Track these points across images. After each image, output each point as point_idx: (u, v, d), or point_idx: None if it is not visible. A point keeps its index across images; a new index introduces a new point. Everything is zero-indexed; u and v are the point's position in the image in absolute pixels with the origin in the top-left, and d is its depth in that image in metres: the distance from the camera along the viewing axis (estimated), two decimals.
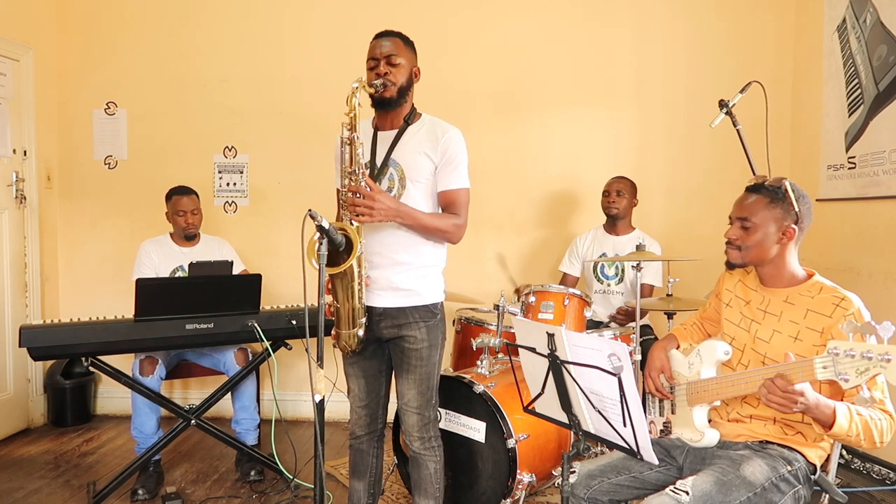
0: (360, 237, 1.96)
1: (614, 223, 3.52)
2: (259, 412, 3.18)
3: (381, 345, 2.18)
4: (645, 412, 1.92)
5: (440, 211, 2.14)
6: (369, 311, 2.10)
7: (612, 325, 3.39)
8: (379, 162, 2.10)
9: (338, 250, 1.90)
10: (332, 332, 2.12)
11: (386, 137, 2.12)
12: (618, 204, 3.45)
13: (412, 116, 2.13)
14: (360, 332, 2.07)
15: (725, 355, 1.84)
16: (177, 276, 3.27)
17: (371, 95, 2.04)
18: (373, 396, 2.23)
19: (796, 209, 1.78)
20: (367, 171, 2.04)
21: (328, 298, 2.02)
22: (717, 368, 1.86)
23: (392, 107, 2.08)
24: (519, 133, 3.93)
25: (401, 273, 2.08)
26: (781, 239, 1.79)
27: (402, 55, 2.07)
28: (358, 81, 1.95)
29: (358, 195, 1.93)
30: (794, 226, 1.78)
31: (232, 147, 4.04)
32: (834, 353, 1.47)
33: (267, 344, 2.80)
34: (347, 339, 2.08)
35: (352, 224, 1.95)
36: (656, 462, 1.56)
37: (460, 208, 2.11)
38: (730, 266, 1.89)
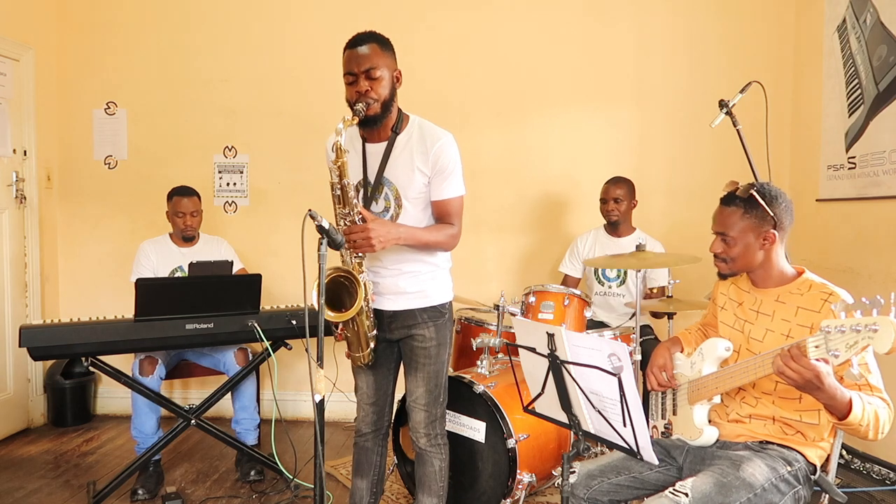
0: (363, 270, 1.98)
1: (616, 226, 3.50)
2: (259, 412, 3.18)
3: (391, 343, 2.19)
4: (647, 415, 1.92)
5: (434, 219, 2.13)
6: (379, 314, 2.12)
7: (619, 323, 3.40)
8: (371, 178, 2.06)
9: (338, 250, 1.90)
10: (345, 353, 2.16)
11: (375, 151, 2.06)
12: (617, 210, 3.43)
13: (400, 124, 2.04)
14: (372, 344, 2.10)
15: (726, 351, 1.85)
16: (176, 276, 3.27)
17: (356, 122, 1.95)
18: (381, 394, 2.24)
19: (771, 214, 1.78)
20: (362, 192, 2.05)
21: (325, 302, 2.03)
22: (718, 365, 1.86)
23: (378, 123, 1.99)
24: (519, 133, 3.93)
25: (408, 279, 2.10)
26: (764, 245, 1.80)
27: (381, 65, 1.94)
28: (342, 122, 1.86)
29: (355, 235, 1.90)
30: (773, 230, 1.78)
31: (232, 147, 4.04)
32: (826, 331, 1.47)
33: (267, 344, 2.80)
34: (361, 360, 2.12)
35: (353, 261, 1.96)
36: (656, 462, 1.56)
37: (454, 217, 2.08)
38: (721, 276, 1.92)
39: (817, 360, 1.50)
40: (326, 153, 2.06)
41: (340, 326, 2.06)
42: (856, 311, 1.43)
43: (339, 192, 1.94)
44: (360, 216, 1.93)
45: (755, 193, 1.78)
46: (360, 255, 1.97)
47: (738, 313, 1.90)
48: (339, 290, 1.97)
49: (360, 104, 1.92)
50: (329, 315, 1.86)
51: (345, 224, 1.95)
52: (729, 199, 1.84)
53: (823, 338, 1.48)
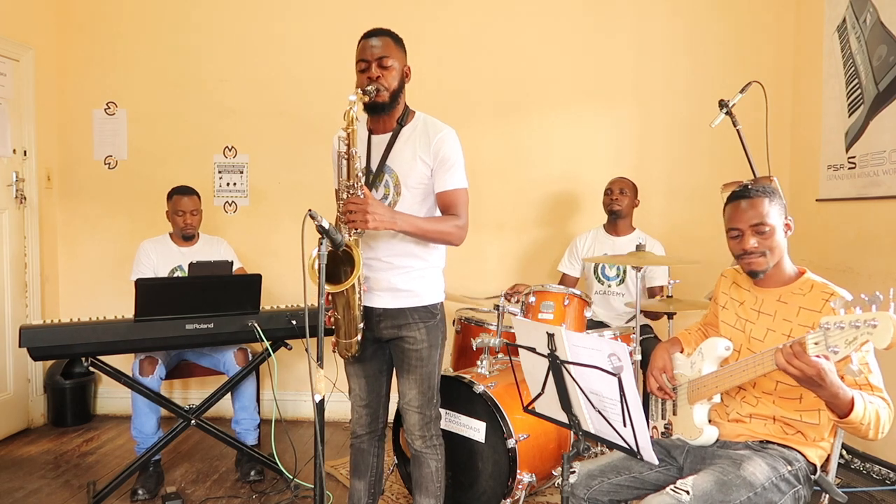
0: (359, 248, 1.96)
1: (615, 223, 3.51)
2: (259, 412, 3.18)
3: (382, 345, 2.18)
4: (647, 415, 1.92)
5: (437, 214, 2.12)
6: (369, 311, 2.10)
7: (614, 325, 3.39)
8: (374, 166, 2.08)
9: (338, 250, 1.90)
10: (332, 344, 2.13)
11: (380, 142, 2.10)
12: (621, 202, 3.45)
13: (405, 117, 2.10)
14: (359, 336, 2.08)
15: (726, 351, 1.85)
16: (175, 275, 3.27)
17: (364, 102, 2.00)
18: (374, 396, 2.24)
19: (784, 201, 1.82)
20: (364, 180, 2.04)
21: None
22: (718, 365, 1.86)
23: (385, 111, 2.05)
24: (520, 133, 3.93)
25: (400, 275, 2.09)
26: (786, 233, 1.82)
27: (393, 56, 2.02)
28: (355, 94, 1.93)
29: (353, 205, 1.90)
30: (789, 218, 1.82)
31: (232, 147, 4.04)
32: (825, 327, 1.47)
33: (267, 344, 2.80)
34: (347, 348, 2.10)
35: (350, 237, 1.94)
36: (656, 462, 1.56)
37: (460, 208, 2.08)
38: (755, 275, 1.84)
39: (817, 356, 1.50)
40: (335, 143, 2.07)
41: (331, 311, 2.05)
42: (855, 307, 1.43)
43: (345, 163, 1.95)
44: (363, 193, 1.92)
45: (776, 181, 1.80)
46: (357, 230, 1.95)
47: (740, 312, 1.90)
48: (336, 262, 1.96)
49: (371, 86, 1.97)
50: (326, 287, 1.85)
51: (347, 195, 1.95)
52: (748, 192, 1.81)
53: (822, 334, 1.48)
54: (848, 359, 1.45)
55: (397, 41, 2.07)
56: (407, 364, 2.12)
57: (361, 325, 2.07)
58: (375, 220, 1.90)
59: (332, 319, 2.07)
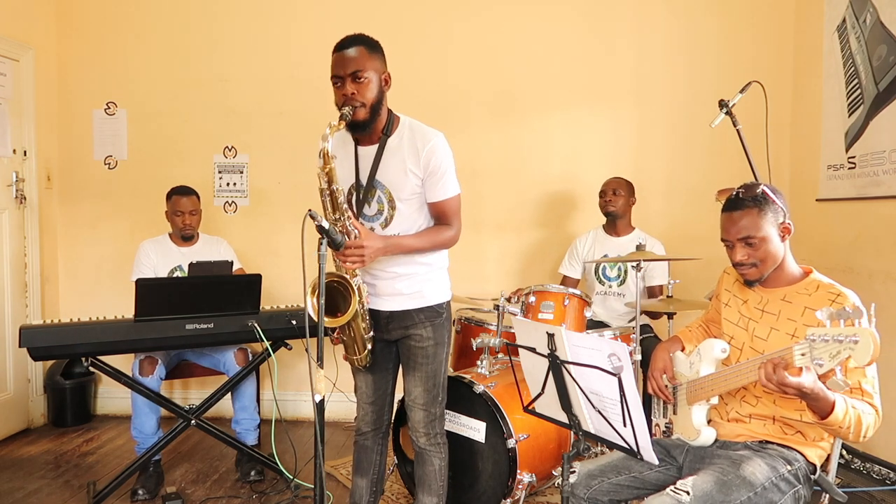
0: (356, 275, 1.98)
1: (614, 223, 3.51)
2: (259, 412, 3.18)
3: (389, 344, 2.20)
4: (649, 414, 1.92)
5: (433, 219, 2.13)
6: (376, 314, 2.12)
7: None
8: (364, 181, 2.05)
9: (338, 251, 1.91)
10: (343, 355, 2.17)
11: (367, 154, 2.05)
12: (615, 203, 3.45)
13: (390, 126, 2.02)
14: (370, 346, 2.11)
15: (722, 353, 1.85)
16: (175, 275, 3.27)
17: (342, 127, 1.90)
18: (380, 393, 2.25)
19: (781, 206, 1.79)
20: (355, 196, 2.05)
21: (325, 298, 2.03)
22: (715, 366, 1.86)
23: (366, 129, 1.98)
24: (519, 133, 3.93)
25: (404, 281, 2.10)
26: (783, 238, 1.80)
27: (368, 67, 1.92)
28: (329, 127, 1.84)
29: (348, 251, 1.91)
30: (787, 221, 1.80)
31: (232, 147, 4.04)
32: (811, 339, 1.47)
33: (267, 344, 2.80)
34: (358, 362, 2.15)
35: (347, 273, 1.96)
36: (656, 462, 1.56)
37: (452, 217, 2.08)
38: (749, 284, 1.85)
39: (800, 367, 1.50)
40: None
41: (337, 331, 2.07)
42: (839, 319, 1.42)
43: (328, 199, 1.94)
44: (357, 231, 1.93)
45: (766, 189, 1.78)
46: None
47: (743, 311, 1.90)
48: (334, 295, 1.98)
49: (347, 108, 1.90)
50: (326, 320, 1.86)
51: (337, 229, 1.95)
52: (737, 204, 1.79)
53: (809, 346, 1.48)
54: (833, 371, 1.45)
55: (372, 48, 1.96)
56: (413, 361, 2.14)
57: (371, 334, 2.10)
58: (371, 256, 1.93)
59: (339, 339, 2.10)
